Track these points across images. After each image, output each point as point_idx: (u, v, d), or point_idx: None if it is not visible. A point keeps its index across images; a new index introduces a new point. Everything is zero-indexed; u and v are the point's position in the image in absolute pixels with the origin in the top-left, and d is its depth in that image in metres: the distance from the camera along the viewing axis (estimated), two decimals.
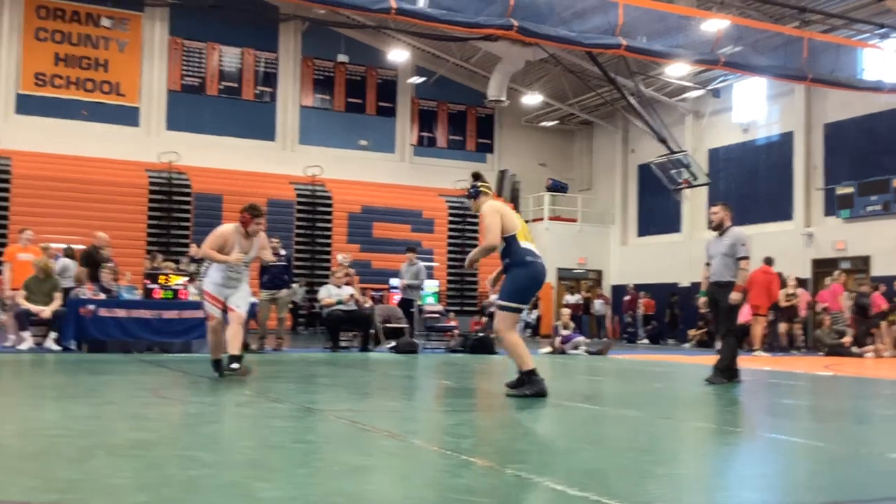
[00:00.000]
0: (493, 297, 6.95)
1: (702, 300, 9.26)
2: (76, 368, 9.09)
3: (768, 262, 17.60)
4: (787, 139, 23.45)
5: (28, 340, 11.92)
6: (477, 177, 7.14)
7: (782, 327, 18.69)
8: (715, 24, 17.67)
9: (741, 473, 3.99)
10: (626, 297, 25.18)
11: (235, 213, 25.35)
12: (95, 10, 23.93)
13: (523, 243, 6.79)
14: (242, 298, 7.94)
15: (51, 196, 21.54)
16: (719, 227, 9.00)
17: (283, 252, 13.65)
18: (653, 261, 26.39)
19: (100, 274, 12.65)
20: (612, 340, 21.86)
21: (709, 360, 9.91)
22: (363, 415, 5.56)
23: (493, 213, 6.82)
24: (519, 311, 6.85)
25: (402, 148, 28.09)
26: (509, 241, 6.79)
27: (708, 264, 9.12)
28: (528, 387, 6.65)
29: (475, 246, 29.43)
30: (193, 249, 15.22)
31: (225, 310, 7.83)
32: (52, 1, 23.58)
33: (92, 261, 13.07)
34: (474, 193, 7.05)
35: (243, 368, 7.67)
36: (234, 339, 7.75)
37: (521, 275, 6.73)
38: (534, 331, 25.00)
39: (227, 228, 7.95)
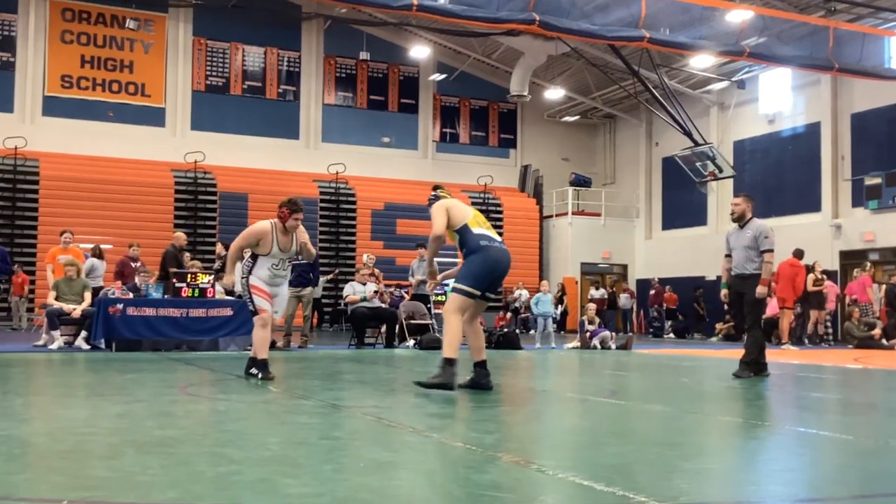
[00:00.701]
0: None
1: (723, 292, 9.19)
2: (105, 367, 9.19)
3: (797, 254, 17.41)
4: (813, 130, 23.20)
5: (58, 340, 12.08)
6: (436, 187, 7.27)
7: (812, 316, 18.50)
8: (739, 15, 17.53)
9: (769, 468, 3.96)
10: (652, 292, 25.06)
11: (260, 211, 25.53)
12: (120, 12, 24.16)
13: (476, 230, 6.74)
14: (281, 303, 7.87)
15: (78, 197, 21.81)
16: (741, 219, 8.92)
17: None
18: (678, 254, 26.24)
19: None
20: (634, 334, 21.75)
21: (736, 353, 9.83)
22: (388, 411, 5.58)
23: (439, 208, 6.82)
24: (471, 295, 6.65)
25: (424, 144, 28.12)
26: (462, 232, 6.76)
27: (728, 256, 9.05)
28: (437, 375, 6.49)
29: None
30: (220, 248, 15.35)
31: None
32: (78, 3, 23.84)
33: (177, 261, 13.44)
34: (433, 200, 7.05)
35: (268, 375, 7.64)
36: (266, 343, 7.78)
37: (477, 259, 6.67)
38: (559, 326, 24.92)
39: (263, 226, 7.64)
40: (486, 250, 6.68)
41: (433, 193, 7.19)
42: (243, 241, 7.64)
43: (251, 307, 7.62)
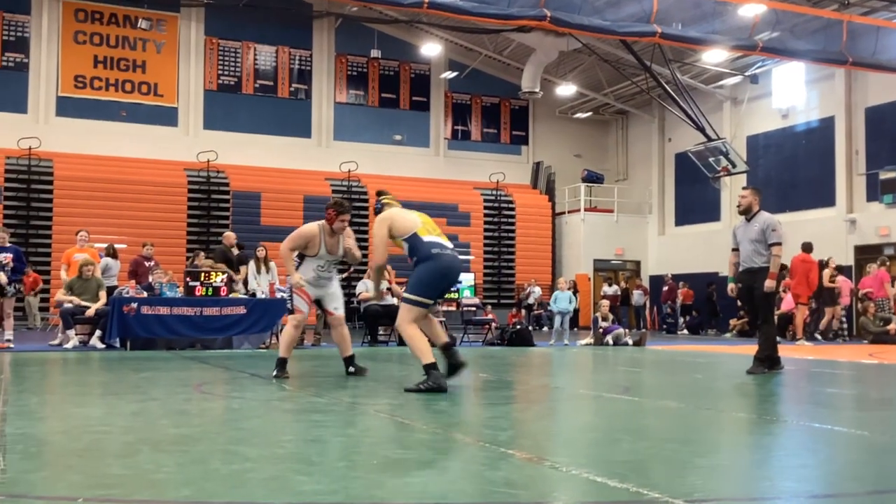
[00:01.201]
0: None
1: (730, 287, 9.14)
2: (120, 366, 9.24)
3: (806, 248, 17.27)
4: (827, 124, 23.06)
5: (74, 339, 12.16)
6: (380, 193, 7.21)
7: (828, 313, 18.41)
8: (752, 9, 17.43)
9: (783, 464, 3.94)
10: (665, 288, 24.98)
11: (273, 210, 25.48)
12: (132, 12, 24.25)
13: (427, 237, 6.66)
14: (339, 300, 7.97)
15: (92, 196, 21.93)
16: (748, 212, 8.82)
17: None
18: (692, 250, 26.13)
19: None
20: (648, 331, 21.68)
21: (750, 349, 9.79)
22: (402, 409, 5.59)
23: (381, 226, 6.73)
24: (422, 304, 6.61)
25: (436, 142, 28.11)
26: (412, 241, 6.68)
27: (735, 250, 8.97)
28: (425, 381, 6.43)
29: (511, 239, 29.01)
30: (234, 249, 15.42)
31: (316, 306, 7.93)
32: (90, 4, 23.94)
33: (226, 258, 13.61)
34: (379, 208, 7.03)
35: (360, 367, 7.90)
36: (344, 342, 7.92)
37: (427, 267, 6.59)
38: (572, 323, 24.87)
39: (311, 228, 7.75)
40: (438, 258, 6.60)
41: (378, 199, 7.13)
42: (292, 243, 7.70)
43: (289, 305, 7.75)
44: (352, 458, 3.84)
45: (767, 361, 8.71)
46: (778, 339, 9.21)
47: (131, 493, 3.04)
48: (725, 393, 7.47)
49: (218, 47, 25.37)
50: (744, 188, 9.18)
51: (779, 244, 8.60)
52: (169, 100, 24.75)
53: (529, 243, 27.20)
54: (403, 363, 10.31)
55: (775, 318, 10.30)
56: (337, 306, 7.91)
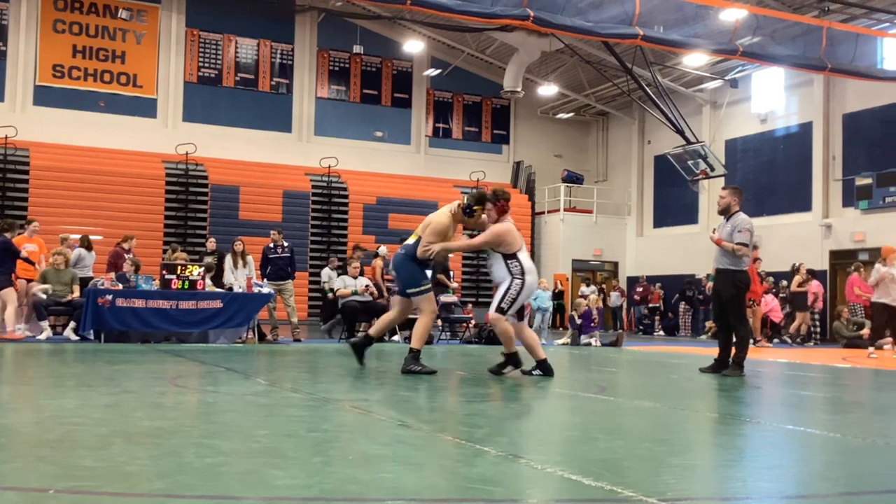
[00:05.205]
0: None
1: (709, 285, 9.25)
2: (94, 358, 9.16)
3: None
4: (805, 129, 23.26)
5: (47, 330, 12.03)
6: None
7: (798, 317, 18.57)
8: (733, 14, 17.55)
9: (756, 464, 3.97)
10: (639, 289, 25.13)
11: (251, 204, 25.35)
12: (113, 2, 24.05)
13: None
14: (496, 297, 7.96)
15: (69, 187, 21.72)
16: (726, 212, 8.89)
17: (285, 244, 14.06)
18: (669, 252, 26.29)
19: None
20: (624, 332, 21.78)
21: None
22: (378, 404, 5.58)
23: None
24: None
25: (417, 139, 28.09)
26: None
27: None
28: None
29: None
30: (210, 243, 15.32)
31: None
32: None
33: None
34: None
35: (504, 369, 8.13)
36: (526, 342, 8.10)
37: None
38: (555, 321, 24.91)
39: None
40: None
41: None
42: None
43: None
44: (327, 453, 3.83)
45: (720, 364, 8.78)
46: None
47: (104, 485, 3.01)
48: (700, 393, 7.51)
49: (199, 39, 25.20)
50: (723, 188, 9.25)
51: (743, 245, 8.59)
52: (148, 91, 24.56)
53: None
54: (380, 359, 10.30)
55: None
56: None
